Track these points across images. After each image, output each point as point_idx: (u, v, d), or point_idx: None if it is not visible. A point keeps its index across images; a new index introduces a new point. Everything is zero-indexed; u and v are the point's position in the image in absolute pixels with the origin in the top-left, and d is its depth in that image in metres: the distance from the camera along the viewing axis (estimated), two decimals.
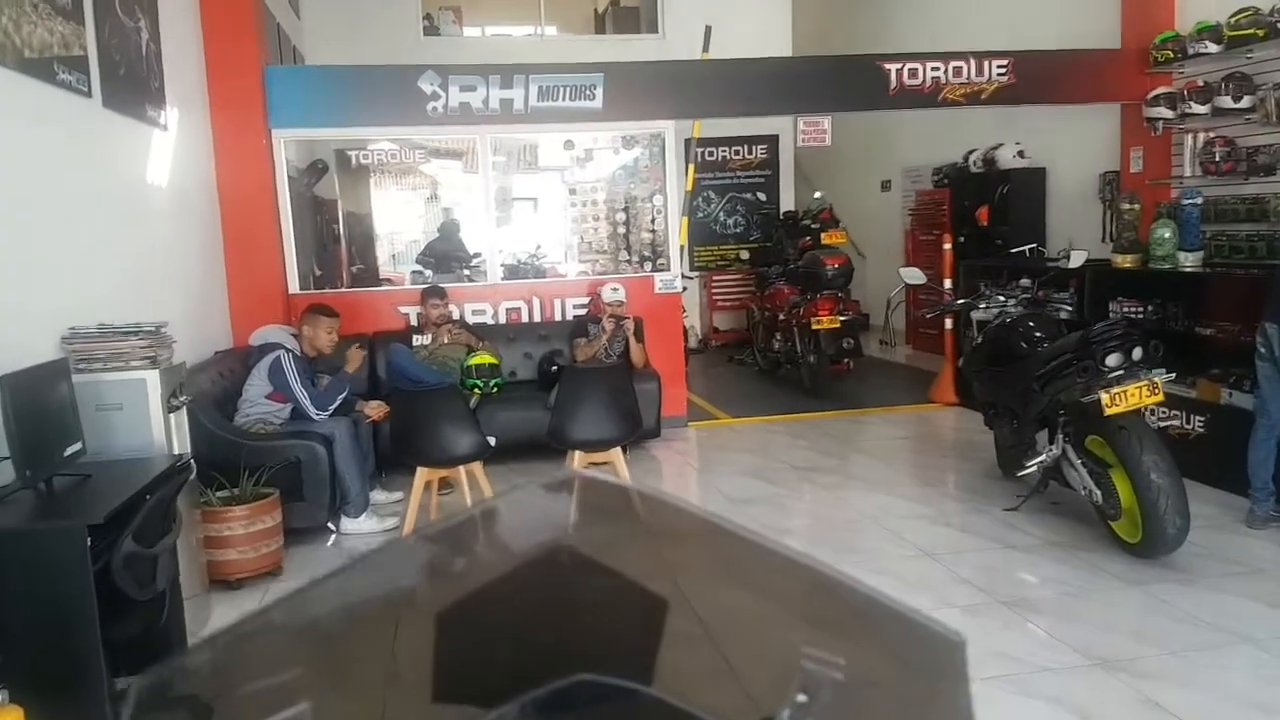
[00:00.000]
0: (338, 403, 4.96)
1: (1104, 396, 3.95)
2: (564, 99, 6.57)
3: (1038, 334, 4.84)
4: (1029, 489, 4.80)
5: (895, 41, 9.78)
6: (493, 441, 4.64)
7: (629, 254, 8.98)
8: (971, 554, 4.31)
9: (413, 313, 6.51)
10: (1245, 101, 5.90)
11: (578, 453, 4.72)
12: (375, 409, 5.21)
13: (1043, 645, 3.36)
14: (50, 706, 2.54)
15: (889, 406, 7.57)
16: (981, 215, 8.67)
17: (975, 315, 5.64)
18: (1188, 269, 5.74)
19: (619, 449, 4.84)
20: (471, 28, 11.14)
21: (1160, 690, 3.01)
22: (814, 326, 7.63)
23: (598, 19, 12.28)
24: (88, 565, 2.60)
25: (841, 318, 7.67)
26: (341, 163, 8.46)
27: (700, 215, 11.21)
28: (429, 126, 6.69)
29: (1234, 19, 5.90)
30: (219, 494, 4.18)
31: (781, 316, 8.48)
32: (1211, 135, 6.20)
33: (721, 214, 11.56)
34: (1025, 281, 5.85)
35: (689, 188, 8.20)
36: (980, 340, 5.36)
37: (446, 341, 6.02)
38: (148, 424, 3.45)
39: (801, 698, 0.84)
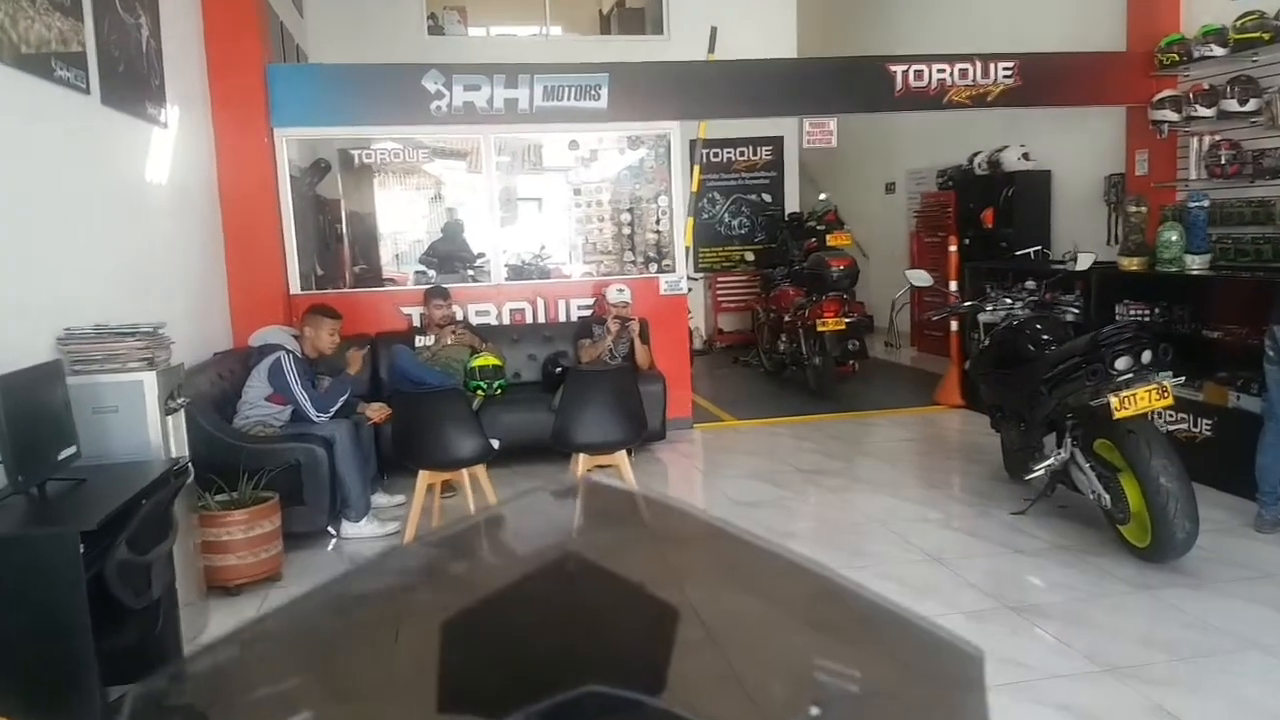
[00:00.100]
0: (339, 404, 4.93)
1: (1113, 400, 3.92)
2: (569, 99, 6.54)
3: (1045, 336, 4.81)
4: (1036, 492, 4.75)
5: (900, 44, 9.74)
6: (496, 444, 4.61)
7: (634, 255, 8.95)
8: (978, 558, 4.28)
9: (415, 313, 6.48)
10: (1251, 105, 5.88)
11: (582, 455, 4.69)
12: (377, 411, 5.17)
13: (1051, 651, 3.33)
14: (41, 717, 2.49)
15: (894, 409, 7.54)
16: (986, 217, 8.64)
17: (982, 318, 5.61)
18: (1194, 272, 5.70)
19: (624, 452, 4.81)
20: (476, 28, 11.12)
21: (1170, 697, 2.97)
22: (819, 328, 7.61)
23: (603, 20, 12.27)
24: (80, 572, 2.54)
25: (847, 319, 7.64)
26: (344, 162, 8.44)
27: (705, 216, 11.19)
28: (433, 126, 6.66)
29: (1239, 22, 5.88)
30: (217, 497, 4.13)
31: (787, 318, 8.45)
32: (1217, 138, 6.18)
33: (726, 215, 11.53)
34: (1031, 284, 5.81)
35: (694, 189, 8.17)
36: (987, 343, 5.32)
37: (450, 343, 5.99)
38: (144, 427, 3.40)
39: (815, 710, 0.82)
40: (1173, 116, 6.43)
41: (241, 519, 4.04)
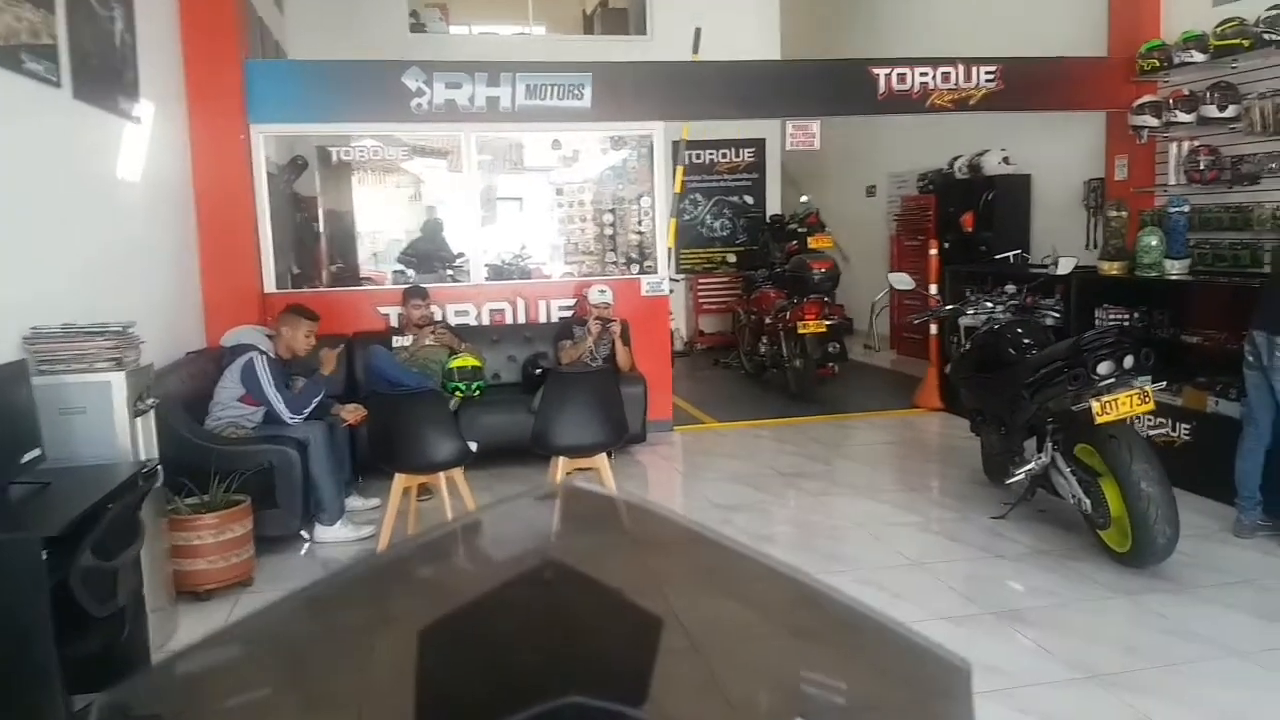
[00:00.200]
0: (312, 406, 4.84)
1: (1094, 405, 3.92)
2: (551, 98, 6.50)
3: (1026, 341, 4.82)
4: (1016, 497, 4.76)
5: (882, 47, 9.77)
6: (474, 447, 4.56)
7: (615, 256, 8.93)
8: (959, 562, 4.27)
9: (393, 313, 6.41)
10: (1230, 110, 5.93)
11: (562, 458, 4.65)
12: (352, 412, 5.09)
13: (1032, 657, 3.32)
14: None
15: (874, 411, 7.55)
16: (966, 221, 8.68)
17: (963, 321, 5.62)
18: (1174, 277, 5.74)
19: (605, 455, 4.77)
20: (458, 25, 11.09)
21: (1150, 704, 2.97)
22: (800, 330, 7.61)
23: (586, 19, 12.27)
24: (44, 579, 2.46)
25: (828, 322, 7.66)
26: (322, 159, 8.35)
27: (687, 218, 11.19)
28: (413, 123, 6.60)
29: (1220, 28, 5.93)
30: (188, 501, 4.04)
31: (768, 320, 8.46)
32: (1196, 144, 6.23)
33: (708, 217, 11.54)
34: (1011, 288, 5.83)
35: (677, 190, 8.15)
36: (968, 346, 5.33)
37: (428, 343, 5.93)
38: (112, 429, 3.31)
39: None
40: (1153, 122, 6.48)
41: (212, 523, 3.96)
